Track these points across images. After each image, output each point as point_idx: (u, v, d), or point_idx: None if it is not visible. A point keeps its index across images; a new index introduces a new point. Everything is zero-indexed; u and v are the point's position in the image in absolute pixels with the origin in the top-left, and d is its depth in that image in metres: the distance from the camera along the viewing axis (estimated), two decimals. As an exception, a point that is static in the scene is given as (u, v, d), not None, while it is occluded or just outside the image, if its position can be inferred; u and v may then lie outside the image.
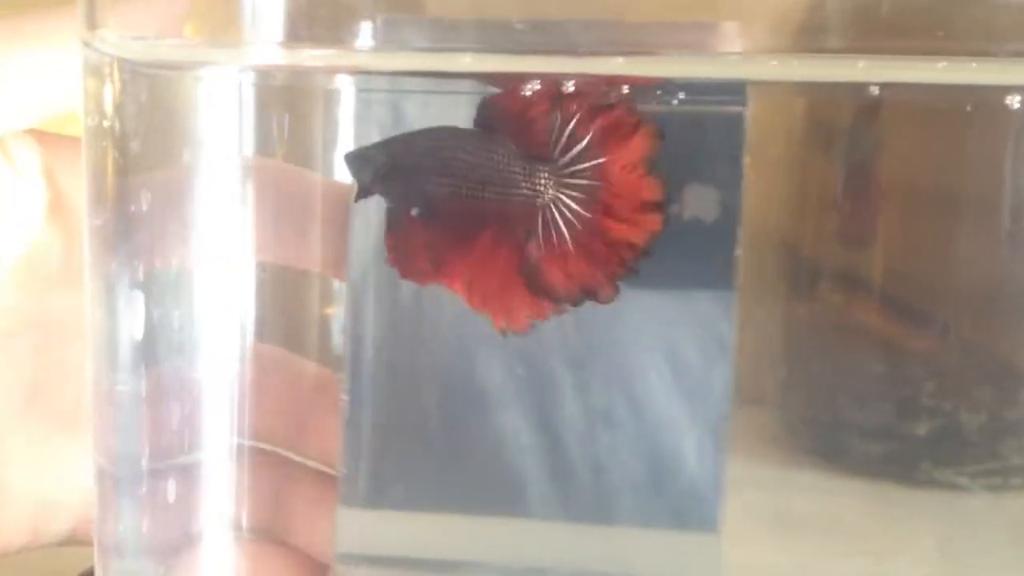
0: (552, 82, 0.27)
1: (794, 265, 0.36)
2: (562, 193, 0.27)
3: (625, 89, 0.27)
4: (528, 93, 0.27)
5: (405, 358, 0.30)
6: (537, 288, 0.28)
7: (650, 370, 0.30)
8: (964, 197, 0.34)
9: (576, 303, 0.28)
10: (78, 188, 0.29)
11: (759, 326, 0.36)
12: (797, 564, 0.31)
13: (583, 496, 0.30)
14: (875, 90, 0.27)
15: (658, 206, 0.27)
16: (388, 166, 0.28)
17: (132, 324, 0.27)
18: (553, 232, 0.27)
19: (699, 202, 0.30)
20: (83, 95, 0.26)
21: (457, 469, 0.31)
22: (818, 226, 0.35)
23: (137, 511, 0.28)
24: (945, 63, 0.26)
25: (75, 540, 0.31)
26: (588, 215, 0.27)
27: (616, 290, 0.28)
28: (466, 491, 0.31)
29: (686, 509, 0.30)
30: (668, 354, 0.30)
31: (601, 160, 0.27)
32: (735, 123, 0.29)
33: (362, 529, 0.31)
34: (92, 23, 0.25)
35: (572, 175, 0.27)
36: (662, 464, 0.30)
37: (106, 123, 0.26)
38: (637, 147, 0.27)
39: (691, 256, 0.30)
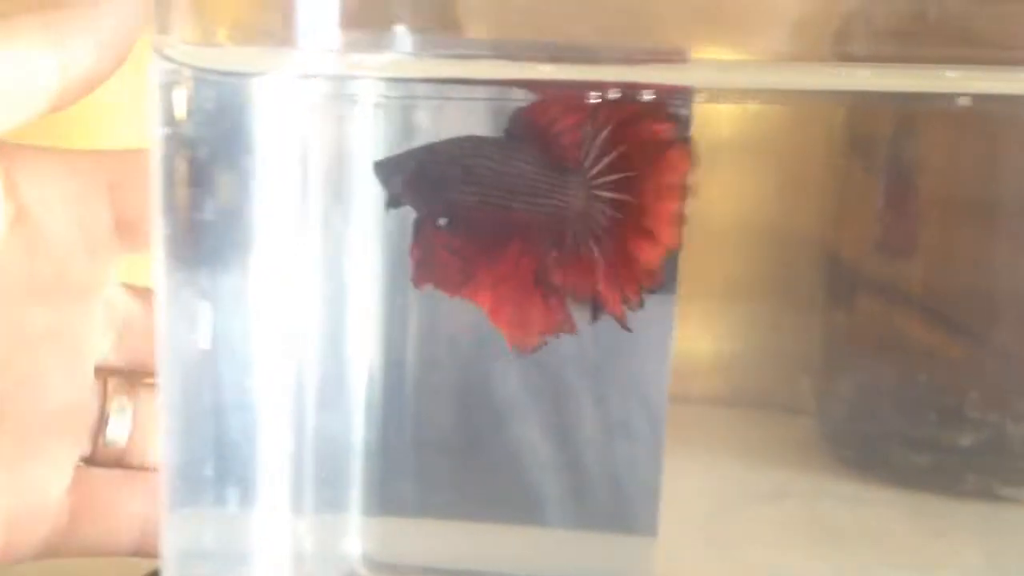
0: (585, 92, 0.27)
1: (832, 273, 0.35)
2: (592, 205, 0.27)
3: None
4: (559, 103, 0.27)
5: (431, 369, 0.30)
6: (551, 298, 0.27)
7: (591, 379, 0.30)
8: (1006, 207, 0.33)
9: (592, 320, 0.27)
10: (40, 199, 0.28)
11: (794, 334, 0.36)
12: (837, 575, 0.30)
13: (529, 500, 0.30)
14: (966, 101, 0.27)
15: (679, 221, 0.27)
16: (416, 174, 0.28)
17: (199, 335, 0.27)
18: (580, 244, 0.27)
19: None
20: (153, 103, 0.26)
21: (474, 478, 0.31)
22: (858, 235, 0.35)
23: (201, 521, 0.28)
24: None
25: (48, 554, 0.30)
26: (616, 230, 0.27)
27: (625, 311, 0.27)
28: (480, 499, 0.31)
29: (627, 512, 0.30)
30: (612, 361, 0.30)
31: (631, 174, 0.27)
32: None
33: (387, 537, 0.31)
34: (164, 29, 0.25)
35: (602, 187, 0.27)
36: (605, 468, 0.30)
37: (173, 131, 0.26)
38: (669, 166, 0.27)
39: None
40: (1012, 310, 0.32)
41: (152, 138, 0.25)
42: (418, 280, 0.28)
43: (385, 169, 0.28)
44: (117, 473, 0.31)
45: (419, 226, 0.28)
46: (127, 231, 0.30)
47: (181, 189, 0.26)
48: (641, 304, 0.27)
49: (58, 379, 0.29)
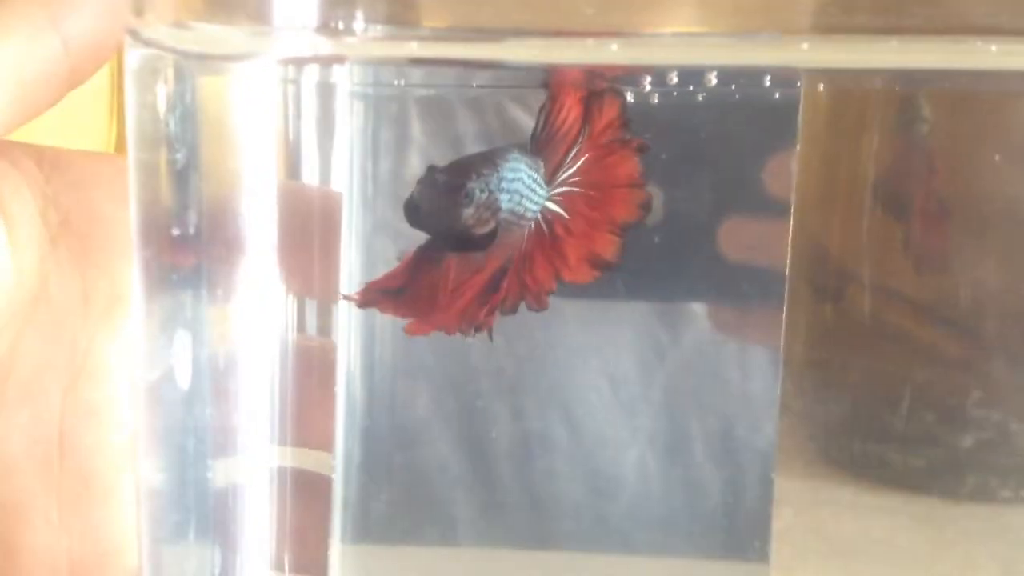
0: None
1: (815, 263, 0.33)
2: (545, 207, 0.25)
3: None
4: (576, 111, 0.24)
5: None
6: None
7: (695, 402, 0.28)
8: (1011, 201, 0.32)
9: (511, 311, 0.25)
10: (86, 208, 0.26)
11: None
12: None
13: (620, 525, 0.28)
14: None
15: (607, 266, 0.25)
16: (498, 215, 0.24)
17: (180, 367, 0.23)
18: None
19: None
20: (130, 97, 0.22)
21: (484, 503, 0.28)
22: (845, 227, 0.33)
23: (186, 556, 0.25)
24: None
25: None
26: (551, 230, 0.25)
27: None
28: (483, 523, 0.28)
29: (740, 540, 0.28)
30: (718, 385, 0.28)
31: (585, 192, 0.25)
32: (788, 111, 0.26)
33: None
34: (139, 8, 0.21)
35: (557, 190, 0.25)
36: (714, 495, 0.28)
37: (157, 130, 0.22)
38: (617, 203, 0.25)
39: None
40: (1017, 305, 0.31)
41: (130, 134, 0.21)
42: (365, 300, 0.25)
43: (453, 192, 0.23)
44: None
45: (427, 254, 0.24)
46: None
47: (164, 193, 0.22)
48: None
49: (130, 409, 0.26)
